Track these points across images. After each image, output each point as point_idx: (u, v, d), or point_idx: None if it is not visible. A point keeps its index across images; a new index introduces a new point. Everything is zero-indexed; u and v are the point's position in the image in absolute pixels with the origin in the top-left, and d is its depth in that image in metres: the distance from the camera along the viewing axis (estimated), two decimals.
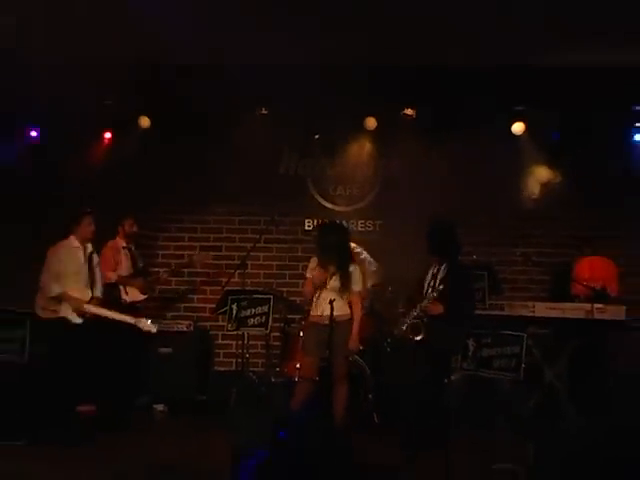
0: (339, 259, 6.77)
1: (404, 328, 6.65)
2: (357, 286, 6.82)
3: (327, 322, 6.62)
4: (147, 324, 6.54)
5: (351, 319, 6.89)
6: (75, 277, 6.84)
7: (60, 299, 6.75)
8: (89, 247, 6.99)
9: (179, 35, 7.16)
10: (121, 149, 8.71)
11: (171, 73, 8.00)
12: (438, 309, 6.60)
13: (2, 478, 5.61)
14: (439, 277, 6.76)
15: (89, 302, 6.78)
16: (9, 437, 6.45)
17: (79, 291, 6.81)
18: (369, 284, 7.69)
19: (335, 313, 6.61)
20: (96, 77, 7.70)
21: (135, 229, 8.12)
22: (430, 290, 6.73)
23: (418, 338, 6.64)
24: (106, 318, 6.72)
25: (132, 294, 7.96)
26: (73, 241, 6.96)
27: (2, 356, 6.40)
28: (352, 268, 6.82)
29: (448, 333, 6.46)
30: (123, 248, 8.05)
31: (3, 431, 6.52)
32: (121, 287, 7.90)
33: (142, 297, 8.09)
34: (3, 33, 6.98)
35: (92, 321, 6.86)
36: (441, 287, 6.60)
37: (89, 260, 6.96)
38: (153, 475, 5.79)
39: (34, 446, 6.47)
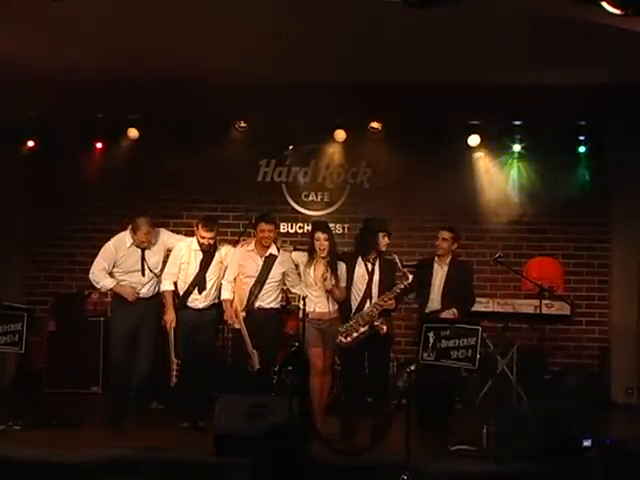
0: (331, 260, 6.87)
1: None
2: (343, 282, 6.84)
3: (318, 318, 6.73)
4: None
5: (337, 317, 6.90)
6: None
7: None
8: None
9: (165, 53, 7.49)
10: (111, 158, 9.04)
11: (158, 89, 8.27)
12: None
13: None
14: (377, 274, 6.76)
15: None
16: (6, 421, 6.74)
17: None
18: None
19: (323, 310, 6.76)
20: (89, 92, 8.13)
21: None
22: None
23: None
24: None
25: None
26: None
27: (5, 347, 6.69)
28: (341, 267, 6.85)
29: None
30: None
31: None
32: None
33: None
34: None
35: None
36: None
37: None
38: (147, 456, 5.92)
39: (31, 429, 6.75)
